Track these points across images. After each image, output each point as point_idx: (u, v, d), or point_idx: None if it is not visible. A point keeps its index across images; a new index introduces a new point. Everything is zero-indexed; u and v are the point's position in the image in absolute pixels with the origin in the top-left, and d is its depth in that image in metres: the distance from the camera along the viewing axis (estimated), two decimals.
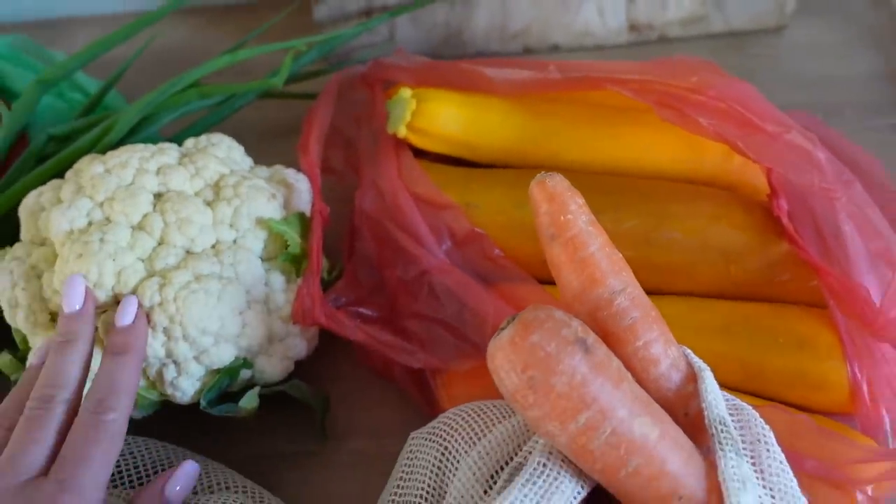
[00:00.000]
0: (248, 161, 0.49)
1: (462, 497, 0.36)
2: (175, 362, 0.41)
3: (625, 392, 0.33)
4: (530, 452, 0.35)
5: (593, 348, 0.33)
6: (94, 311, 0.40)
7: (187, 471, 0.38)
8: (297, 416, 0.47)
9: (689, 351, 0.37)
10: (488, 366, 0.34)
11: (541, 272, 0.45)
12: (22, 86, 0.60)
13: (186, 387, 0.42)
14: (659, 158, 0.49)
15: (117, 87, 0.62)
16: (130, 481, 0.42)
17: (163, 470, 0.43)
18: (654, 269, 0.46)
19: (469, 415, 0.39)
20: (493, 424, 0.38)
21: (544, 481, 0.33)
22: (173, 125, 0.56)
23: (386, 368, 0.47)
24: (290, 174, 0.50)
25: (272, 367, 0.44)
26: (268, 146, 0.56)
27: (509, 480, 0.34)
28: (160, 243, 0.42)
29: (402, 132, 0.50)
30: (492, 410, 0.40)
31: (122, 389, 0.37)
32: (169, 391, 0.42)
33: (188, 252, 0.42)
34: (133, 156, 0.44)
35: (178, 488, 0.38)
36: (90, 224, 0.42)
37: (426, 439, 0.40)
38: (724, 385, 0.43)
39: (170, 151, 0.46)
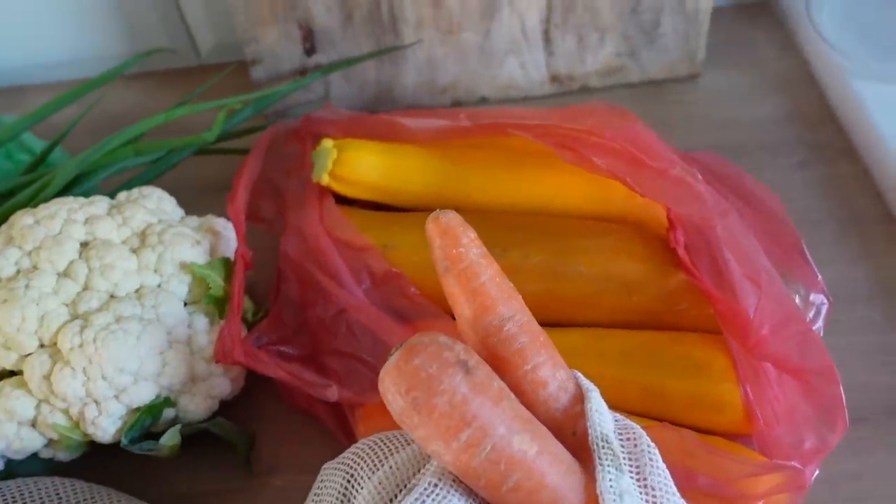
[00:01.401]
0: (180, 212, 0.52)
1: None
2: (95, 402, 0.43)
3: (504, 410, 0.34)
4: (424, 474, 0.37)
5: (474, 369, 0.35)
6: None
7: None
8: (224, 454, 0.49)
9: (579, 374, 0.39)
10: (380, 390, 0.36)
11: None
12: None
13: (107, 426, 0.43)
14: (570, 197, 0.52)
15: (68, 148, 0.65)
16: None
17: None
18: (561, 301, 0.48)
19: (375, 443, 0.41)
20: (397, 450, 0.40)
21: (433, 500, 0.35)
22: (112, 181, 0.58)
23: (309, 406, 0.49)
24: (220, 223, 0.52)
25: (195, 406, 0.46)
26: (205, 200, 0.58)
27: (401, 502, 0.36)
28: (84, 288, 0.44)
29: (325, 180, 0.53)
30: (397, 438, 0.41)
31: None
32: (90, 430, 0.43)
33: (112, 296, 0.45)
34: (62, 207, 0.47)
35: None
36: (18, 272, 0.44)
37: (335, 469, 0.41)
38: (626, 409, 0.45)
39: (100, 203, 0.48)
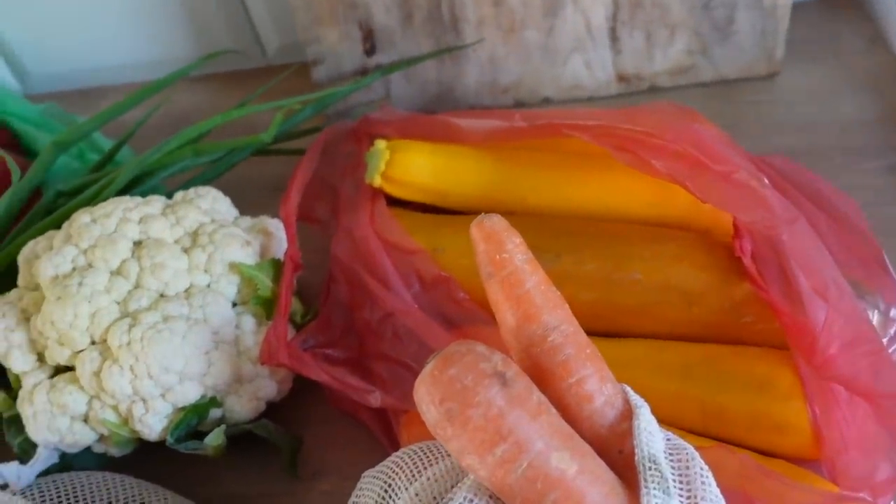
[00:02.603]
0: (234, 212, 0.52)
1: None
2: (142, 399, 0.43)
3: (543, 425, 0.33)
4: (460, 488, 0.35)
5: (512, 381, 0.33)
6: None
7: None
8: (272, 456, 0.49)
9: (628, 388, 0.37)
10: (415, 399, 0.34)
11: None
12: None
13: (154, 423, 0.44)
14: (629, 202, 0.50)
15: (135, 148, 0.66)
16: None
17: None
18: (616, 310, 0.46)
19: (415, 452, 0.40)
20: (435, 461, 0.39)
21: None
22: (174, 180, 0.59)
23: (354, 410, 0.48)
24: (272, 223, 0.52)
25: (241, 407, 0.46)
26: (262, 200, 0.58)
27: None
28: (135, 287, 0.45)
29: (377, 181, 0.52)
30: (437, 449, 0.40)
31: None
32: (138, 427, 0.44)
33: (162, 295, 0.45)
34: (118, 206, 0.47)
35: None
36: (73, 269, 0.45)
37: (374, 477, 0.41)
38: (682, 427, 0.43)
39: (155, 203, 0.49)
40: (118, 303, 0.44)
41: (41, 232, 0.52)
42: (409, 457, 0.40)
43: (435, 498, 0.37)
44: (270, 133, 0.56)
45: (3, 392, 0.48)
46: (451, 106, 0.67)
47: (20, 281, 0.48)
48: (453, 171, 0.52)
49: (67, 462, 0.47)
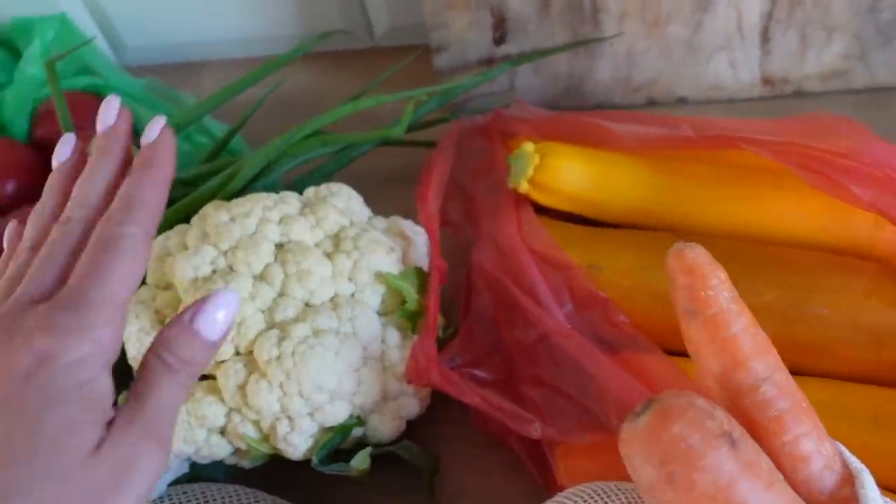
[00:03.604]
0: (367, 211, 0.49)
1: None
2: (289, 417, 0.41)
3: (777, 495, 0.30)
4: None
5: (740, 443, 0.30)
6: (128, 130, 0.35)
7: (222, 299, 0.31)
8: (404, 476, 0.46)
9: (843, 448, 0.34)
10: (621, 451, 0.31)
11: (668, 342, 0.43)
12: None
13: (299, 443, 0.41)
14: (800, 225, 0.46)
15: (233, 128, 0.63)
16: None
17: None
18: (796, 347, 0.42)
19: (594, 498, 0.37)
20: None
21: None
22: (292, 172, 0.56)
23: (501, 434, 0.45)
24: (408, 226, 0.49)
25: (384, 426, 0.43)
26: (382, 194, 0.55)
27: None
28: (280, 294, 0.42)
29: (524, 187, 0.48)
30: (615, 495, 0.37)
31: (144, 203, 0.31)
32: (281, 446, 0.41)
33: (307, 304, 0.42)
34: (257, 205, 0.44)
35: (212, 323, 0.31)
36: (214, 272, 0.42)
37: None
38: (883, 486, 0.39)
39: (291, 201, 0.46)
40: (262, 311, 0.41)
41: (166, 223, 0.50)
42: (587, 501, 0.37)
43: None
44: (403, 126, 0.52)
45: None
46: (578, 102, 0.63)
47: (150, 278, 0.45)
48: (609, 179, 0.48)
49: (196, 471, 0.45)
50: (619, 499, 0.37)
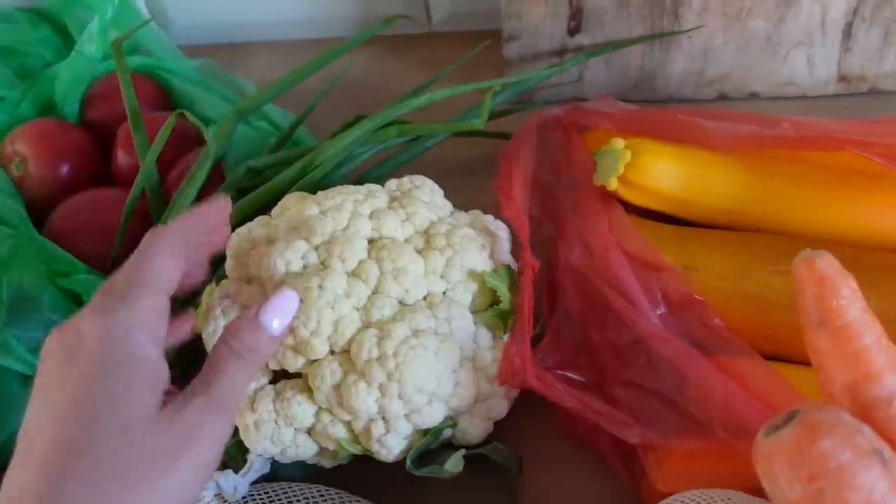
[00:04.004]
0: (449, 206, 0.48)
1: None
2: (384, 419, 0.39)
3: None
4: None
5: (891, 462, 0.29)
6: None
7: (285, 299, 0.36)
8: (485, 477, 0.45)
9: None
10: (758, 465, 0.30)
11: (762, 346, 0.42)
12: (209, 111, 0.61)
13: (394, 445, 0.40)
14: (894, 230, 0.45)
15: (295, 113, 0.62)
16: None
17: None
18: None
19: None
20: None
21: None
22: (363, 163, 0.55)
23: (589, 436, 0.44)
24: (490, 221, 0.48)
25: (474, 428, 0.42)
26: (453, 186, 0.54)
27: None
28: (374, 292, 0.40)
29: (613, 185, 0.47)
30: (725, 500, 0.36)
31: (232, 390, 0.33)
32: (375, 448, 0.40)
33: (401, 303, 0.41)
34: (347, 198, 0.43)
35: (275, 319, 0.35)
36: (305, 267, 0.41)
37: None
38: None
39: (380, 195, 0.44)
40: (358, 309, 0.40)
41: (241, 213, 0.48)
42: None
43: None
44: (484, 117, 0.51)
45: None
46: (647, 95, 0.61)
47: (231, 271, 0.44)
48: (702, 178, 0.47)
49: (275, 470, 0.44)
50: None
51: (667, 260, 0.45)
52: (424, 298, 0.41)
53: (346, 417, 0.40)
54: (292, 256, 0.41)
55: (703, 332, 0.43)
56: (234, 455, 0.43)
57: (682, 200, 0.47)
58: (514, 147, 0.51)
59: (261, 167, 0.52)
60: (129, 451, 0.29)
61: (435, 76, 0.58)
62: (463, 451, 0.41)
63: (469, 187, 0.52)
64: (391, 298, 0.40)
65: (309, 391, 0.40)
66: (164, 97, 0.65)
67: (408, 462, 0.40)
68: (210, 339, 0.41)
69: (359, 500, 0.43)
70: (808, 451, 0.29)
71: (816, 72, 0.59)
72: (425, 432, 0.40)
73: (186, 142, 0.60)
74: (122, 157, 0.59)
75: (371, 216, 0.43)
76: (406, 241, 0.43)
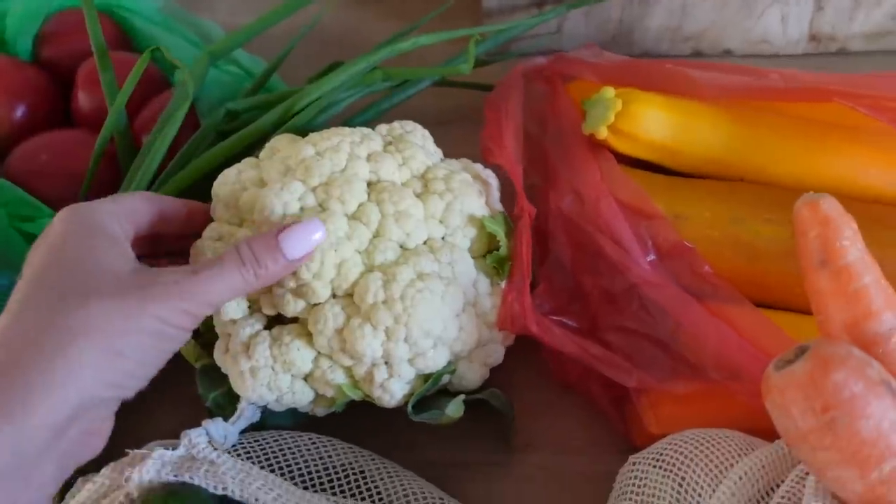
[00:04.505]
0: (440, 152, 0.47)
1: None
2: (387, 363, 0.39)
3: None
4: (794, 495, 0.33)
5: None
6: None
7: (309, 227, 0.37)
8: (480, 424, 0.45)
9: None
10: (769, 398, 0.31)
11: (749, 293, 0.43)
12: (173, 54, 0.58)
13: (396, 390, 0.39)
14: (874, 179, 0.47)
15: (262, 58, 0.60)
16: (321, 483, 0.40)
17: (353, 475, 0.41)
18: None
19: (704, 445, 0.37)
20: (735, 459, 0.36)
21: None
22: (343, 110, 0.53)
23: (580, 382, 0.45)
24: (479, 169, 0.47)
25: (472, 374, 0.42)
26: (435, 135, 0.53)
27: None
28: (376, 236, 0.40)
29: (603, 133, 0.47)
30: (726, 441, 0.37)
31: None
32: (376, 393, 0.40)
33: (402, 247, 0.40)
34: (344, 140, 0.42)
35: (296, 245, 0.36)
36: (302, 209, 0.39)
37: (654, 466, 0.38)
38: None
39: (374, 138, 0.43)
40: (360, 253, 0.39)
41: (222, 155, 0.47)
42: (699, 450, 0.37)
43: (749, 500, 0.34)
44: (470, 63, 0.50)
45: (191, 339, 0.42)
46: (624, 49, 0.62)
47: (219, 212, 0.42)
48: (691, 129, 0.47)
49: (263, 419, 0.43)
50: (728, 445, 0.37)
51: (658, 207, 0.45)
52: (426, 243, 0.41)
53: (347, 363, 0.39)
54: (289, 198, 0.39)
55: (693, 278, 0.44)
56: (224, 405, 0.42)
57: (672, 150, 0.47)
58: (501, 95, 0.51)
59: (240, 110, 0.50)
60: (105, 302, 0.32)
61: (409, 26, 0.57)
62: (463, 397, 0.41)
63: (445, 138, 0.52)
64: (392, 242, 0.40)
65: (307, 336, 0.39)
66: (123, 38, 0.61)
67: (409, 407, 0.40)
68: None
69: (351, 448, 0.42)
70: (822, 382, 0.30)
71: (789, 31, 0.60)
72: (426, 378, 0.40)
73: (151, 84, 0.57)
74: (83, 98, 0.56)
75: (368, 159, 0.42)
76: (404, 184, 0.42)
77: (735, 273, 0.44)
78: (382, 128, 0.46)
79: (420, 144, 0.45)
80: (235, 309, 0.40)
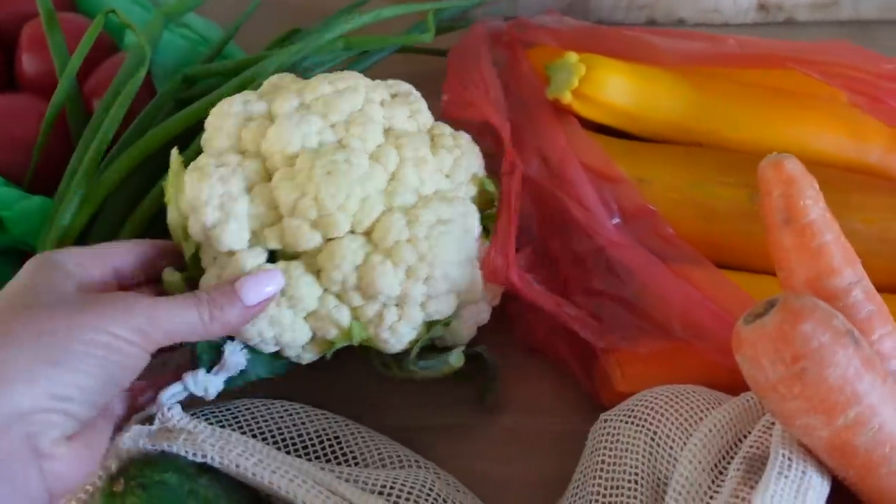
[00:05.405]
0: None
1: (690, 486, 0.35)
2: (398, 305, 0.39)
3: (890, 389, 0.32)
4: (762, 444, 0.34)
5: (860, 342, 0.32)
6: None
7: (266, 277, 0.37)
8: (451, 388, 0.46)
9: None
10: (739, 351, 0.32)
11: (708, 254, 0.44)
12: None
13: (404, 333, 0.39)
14: (824, 145, 0.48)
15: (216, 25, 0.58)
16: (296, 449, 0.40)
17: (328, 440, 0.41)
18: None
19: (674, 400, 0.38)
20: (704, 412, 0.37)
21: (794, 475, 0.32)
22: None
23: (546, 343, 0.46)
24: (461, 134, 0.47)
25: (466, 331, 0.42)
26: None
27: (751, 472, 0.33)
28: (393, 179, 0.39)
29: (567, 98, 0.48)
30: (695, 396, 0.39)
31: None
32: (384, 335, 0.39)
33: (418, 194, 0.40)
34: (360, 81, 0.41)
35: (251, 290, 0.36)
36: (321, 144, 0.39)
37: (626, 422, 0.39)
38: None
39: (382, 88, 0.43)
40: (380, 192, 0.39)
41: (187, 126, 0.45)
42: (669, 404, 0.38)
43: (719, 451, 0.36)
44: (431, 32, 0.50)
45: (177, 272, 0.39)
46: (580, 17, 0.61)
47: (217, 144, 0.40)
48: (651, 94, 0.48)
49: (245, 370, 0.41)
50: (697, 398, 0.38)
51: (622, 171, 0.46)
52: (435, 193, 0.41)
53: (357, 303, 0.38)
54: (309, 130, 0.38)
55: (657, 240, 0.45)
56: (206, 359, 0.41)
57: (633, 115, 0.48)
58: (462, 55, 0.51)
59: (197, 76, 0.49)
60: (34, 304, 0.33)
61: None
62: (462, 348, 0.41)
63: None
64: (407, 187, 0.39)
65: (315, 273, 0.38)
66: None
67: (412, 355, 0.40)
68: (201, 203, 0.38)
69: (325, 413, 0.42)
70: (791, 333, 0.31)
71: (739, 0, 0.61)
72: (428, 327, 0.40)
73: (98, 48, 0.55)
74: (28, 62, 0.53)
75: (382, 104, 0.41)
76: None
77: (695, 234, 0.45)
78: (380, 83, 0.45)
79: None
80: (236, 239, 0.38)
